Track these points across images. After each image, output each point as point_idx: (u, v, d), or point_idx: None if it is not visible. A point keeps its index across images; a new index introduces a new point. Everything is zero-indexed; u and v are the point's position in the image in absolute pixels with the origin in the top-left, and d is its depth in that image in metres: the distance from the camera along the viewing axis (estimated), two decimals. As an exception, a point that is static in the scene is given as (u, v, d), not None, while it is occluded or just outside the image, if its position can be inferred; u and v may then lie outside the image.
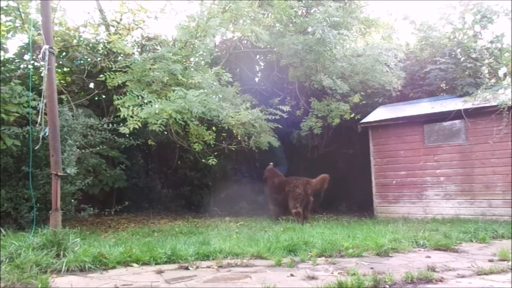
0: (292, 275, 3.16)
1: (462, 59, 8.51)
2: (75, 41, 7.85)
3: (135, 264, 3.43)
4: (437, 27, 9.61)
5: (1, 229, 4.18)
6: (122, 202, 6.87)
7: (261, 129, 7.61)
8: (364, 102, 9.34)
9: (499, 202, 6.72)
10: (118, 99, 6.17)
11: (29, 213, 5.29)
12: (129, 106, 5.83)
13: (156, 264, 3.47)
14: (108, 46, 7.28)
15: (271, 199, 7.83)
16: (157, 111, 5.74)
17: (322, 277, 3.07)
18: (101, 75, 6.74)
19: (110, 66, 7.13)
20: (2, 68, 6.53)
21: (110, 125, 6.31)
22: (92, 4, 9.67)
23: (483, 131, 6.95)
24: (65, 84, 7.84)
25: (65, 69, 8.09)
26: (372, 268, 3.38)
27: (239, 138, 8.25)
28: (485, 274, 3.18)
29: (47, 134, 3.99)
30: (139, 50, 8.18)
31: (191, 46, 7.18)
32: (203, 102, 5.97)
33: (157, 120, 5.75)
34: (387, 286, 2.86)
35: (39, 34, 5.64)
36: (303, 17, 8.29)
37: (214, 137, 7.46)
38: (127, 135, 6.54)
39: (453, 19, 9.41)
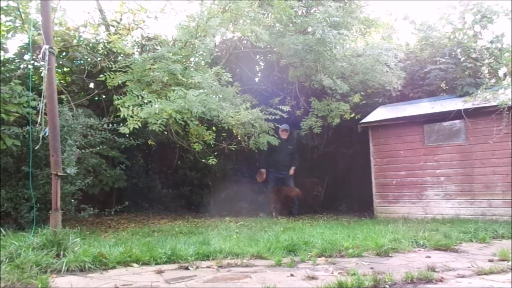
0: (292, 275, 3.16)
1: (462, 59, 8.50)
2: (75, 41, 7.85)
3: (135, 264, 3.43)
4: (437, 27, 9.60)
5: (1, 229, 4.18)
6: (122, 202, 6.85)
7: (261, 129, 7.60)
8: (364, 102, 9.33)
9: (499, 202, 6.72)
10: (118, 99, 6.17)
11: (29, 213, 5.28)
12: (129, 106, 5.82)
13: (156, 264, 3.47)
14: (108, 46, 7.27)
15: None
16: (157, 111, 5.74)
17: (322, 277, 3.07)
18: (101, 75, 6.73)
19: (110, 66, 7.12)
20: (2, 68, 6.53)
21: (110, 125, 6.30)
22: (92, 4, 9.68)
23: (483, 131, 6.95)
24: (65, 84, 7.84)
25: (65, 69, 8.08)
26: (372, 268, 3.38)
27: (239, 138, 8.24)
28: (485, 274, 3.18)
29: (47, 134, 3.98)
30: (139, 50, 8.18)
31: (191, 46, 7.17)
32: (203, 102, 5.97)
33: (157, 120, 5.74)
34: (387, 286, 2.86)
35: (39, 34, 5.64)
36: (303, 17, 8.28)
37: (214, 137, 7.45)
38: (127, 135, 6.53)
39: (453, 19, 9.40)
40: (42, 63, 3.96)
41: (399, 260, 3.79)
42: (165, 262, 3.52)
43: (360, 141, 9.09)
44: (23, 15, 6.84)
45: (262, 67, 10.61)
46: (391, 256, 3.95)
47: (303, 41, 7.49)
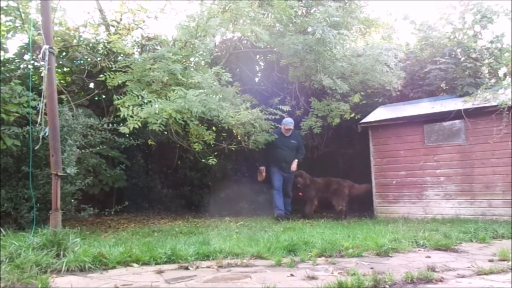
0: (292, 275, 3.16)
1: (462, 59, 8.49)
2: (75, 41, 7.85)
3: (135, 264, 3.43)
4: (437, 27, 9.59)
5: (1, 229, 4.18)
6: (122, 202, 6.86)
7: (261, 128, 7.60)
8: (364, 102, 9.33)
9: (499, 202, 6.72)
10: (118, 99, 6.17)
11: (29, 213, 5.28)
12: (129, 106, 5.82)
13: (156, 264, 3.47)
14: (108, 46, 7.27)
15: None
16: (157, 111, 5.74)
17: (322, 277, 3.07)
18: (101, 75, 6.73)
19: (110, 66, 7.12)
20: (2, 68, 6.53)
21: (110, 125, 6.30)
22: (92, 4, 9.65)
23: (483, 131, 6.95)
24: (65, 84, 7.84)
25: (65, 69, 8.08)
26: (372, 268, 3.38)
27: (239, 138, 8.24)
28: (485, 274, 3.18)
29: (47, 134, 3.98)
30: (139, 50, 8.18)
31: (191, 46, 7.17)
32: (203, 102, 5.97)
33: (157, 120, 5.75)
34: (387, 286, 2.86)
35: (39, 34, 5.64)
36: (303, 17, 8.28)
37: (214, 137, 7.45)
38: (127, 135, 6.54)
39: (453, 19, 9.39)
40: (42, 63, 3.96)
41: (399, 260, 3.79)
42: (165, 262, 3.52)
43: (360, 141, 9.08)
44: (23, 15, 6.83)
45: (262, 67, 10.60)
46: (391, 256, 3.95)
47: (303, 41, 7.48)
